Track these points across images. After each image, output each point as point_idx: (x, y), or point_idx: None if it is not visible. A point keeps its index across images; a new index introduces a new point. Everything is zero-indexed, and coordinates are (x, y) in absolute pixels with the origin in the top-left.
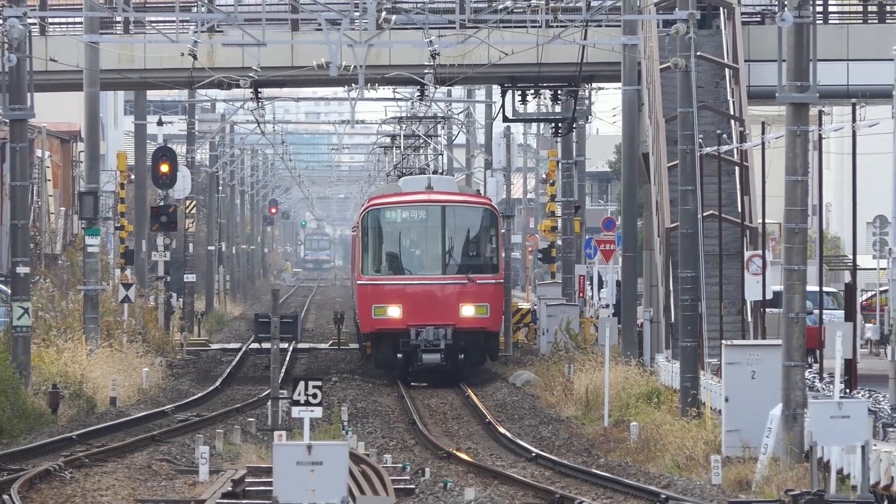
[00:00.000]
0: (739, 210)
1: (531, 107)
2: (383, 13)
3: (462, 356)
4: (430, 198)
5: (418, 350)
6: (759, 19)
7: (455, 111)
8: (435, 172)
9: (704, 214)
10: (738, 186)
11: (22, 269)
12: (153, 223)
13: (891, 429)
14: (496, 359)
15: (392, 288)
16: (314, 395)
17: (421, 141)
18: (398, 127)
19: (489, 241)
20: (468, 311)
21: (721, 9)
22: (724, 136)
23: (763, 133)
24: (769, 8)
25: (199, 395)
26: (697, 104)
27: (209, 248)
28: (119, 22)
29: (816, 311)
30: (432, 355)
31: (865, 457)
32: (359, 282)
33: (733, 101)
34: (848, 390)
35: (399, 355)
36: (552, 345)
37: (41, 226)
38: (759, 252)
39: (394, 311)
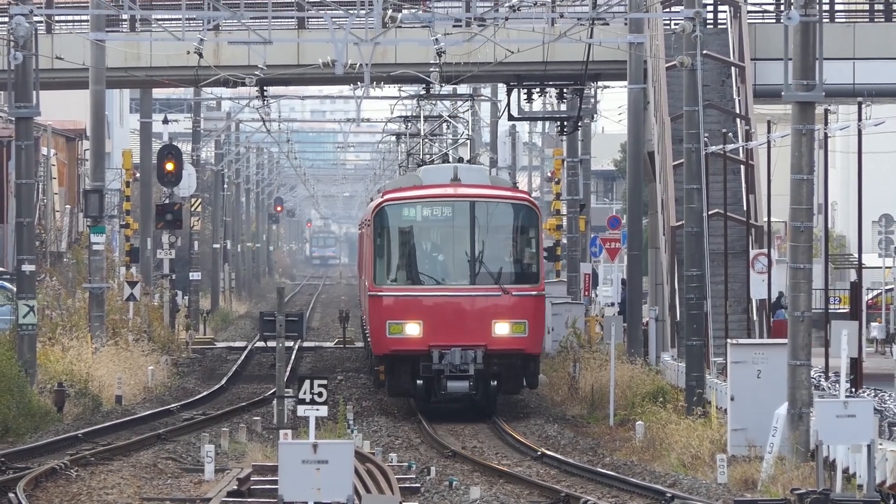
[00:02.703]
0: (745, 209)
1: (537, 105)
2: (389, 11)
3: (494, 383)
4: (457, 192)
5: (442, 376)
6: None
7: (461, 110)
8: (460, 161)
9: (710, 213)
10: (743, 185)
11: (27, 267)
12: (158, 221)
13: None
14: (535, 386)
15: (411, 301)
16: (320, 394)
17: (442, 124)
18: (416, 107)
19: (528, 245)
20: (503, 328)
21: (728, 7)
22: (730, 134)
23: (769, 132)
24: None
25: (205, 393)
26: (703, 103)
27: (214, 246)
28: (125, 20)
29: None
30: (459, 383)
31: (871, 456)
32: (370, 293)
33: (739, 100)
34: (854, 389)
35: (419, 382)
36: (560, 343)
37: (47, 224)
38: (765, 251)
39: (413, 329)
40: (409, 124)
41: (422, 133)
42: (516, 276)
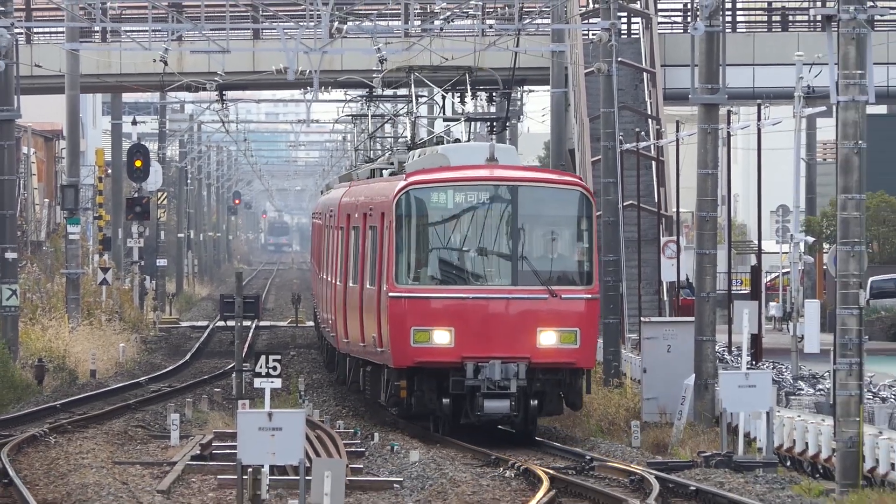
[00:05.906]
0: (656, 200)
1: (469, 107)
2: (336, 23)
3: (535, 402)
4: (496, 174)
5: (477, 394)
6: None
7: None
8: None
9: (625, 204)
10: (654, 179)
11: (10, 255)
12: (128, 213)
13: (793, 397)
14: (579, 407)
15: (440, 304)
16: (274, 368)
17: (438, 94)
18: (406, 76)
19: (581, 239)
20: (549, 338)
21: (640, 18)
22: (643, 133)
23: (677, 131)
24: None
25: (171, 367)
26: (618, 105)
27: (179, 235)
28: (97, 31)
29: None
30: (499, 402)
31: (770, 422)
32: (391, 294)
33: (651, 102)
34: (754, 362)
35: (446, 400)
36: None
37: (27, 215)
38: (674, 238)
39: (442, 338)
40: (373, 101)
41: (414, 108)
42: (566, 275)
